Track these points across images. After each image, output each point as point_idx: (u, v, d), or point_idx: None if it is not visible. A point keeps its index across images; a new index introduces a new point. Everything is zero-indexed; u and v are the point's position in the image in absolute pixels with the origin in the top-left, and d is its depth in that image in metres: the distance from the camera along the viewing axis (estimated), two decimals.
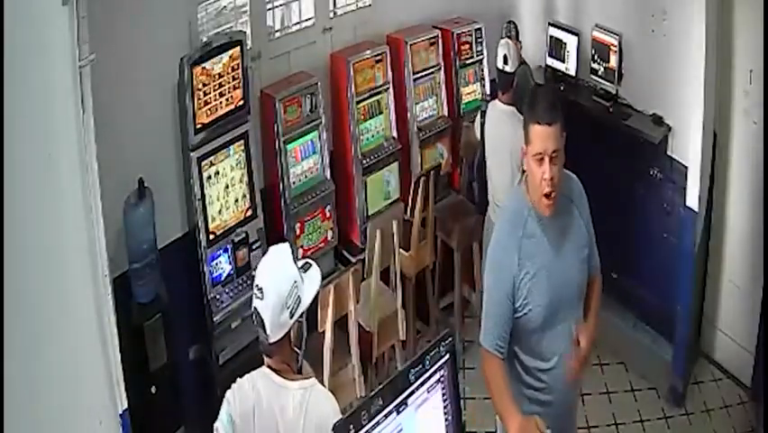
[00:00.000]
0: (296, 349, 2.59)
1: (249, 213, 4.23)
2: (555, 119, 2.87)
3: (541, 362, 3.02)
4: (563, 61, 5.41)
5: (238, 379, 2.65)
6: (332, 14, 4.84)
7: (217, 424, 2.62)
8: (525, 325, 2.96)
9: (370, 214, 4.87)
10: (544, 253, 2.94)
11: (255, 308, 2.51)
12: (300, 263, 2.61)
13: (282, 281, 2.49)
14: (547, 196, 2.87)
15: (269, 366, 2.60)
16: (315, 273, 2.61)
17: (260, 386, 2.59)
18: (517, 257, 2.91)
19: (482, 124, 4.69)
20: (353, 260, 4.74)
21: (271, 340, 2.51)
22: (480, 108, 4.97)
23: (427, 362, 2.44)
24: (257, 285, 2.51)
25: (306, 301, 2.55)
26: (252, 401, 2.58)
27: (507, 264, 2.92)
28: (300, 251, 4.45)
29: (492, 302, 2.95)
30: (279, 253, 2.57)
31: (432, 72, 5.16)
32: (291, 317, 2.51)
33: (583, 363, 3.09)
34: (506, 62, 4.59)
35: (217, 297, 4.06)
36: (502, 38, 4.70)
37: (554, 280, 2.94)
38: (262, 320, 2.50)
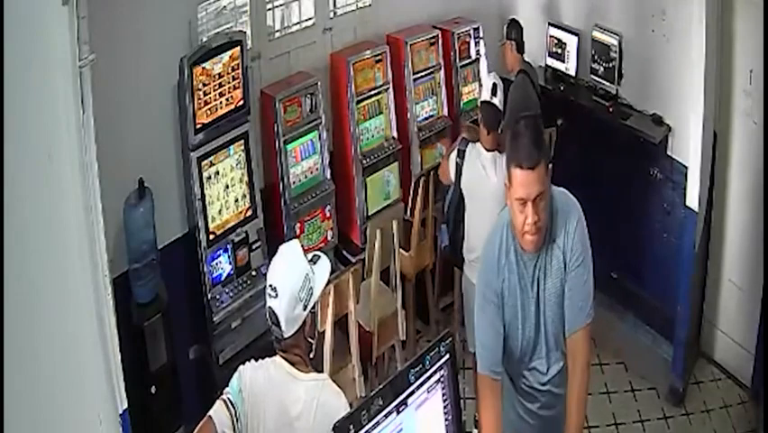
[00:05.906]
0: (309, 339, 2.67)
1: (249, 213, 4.23)
2: (539, 160, 2.68)
3: (536, 378, 3.03)
4: (563, 61, 5.41)
5: (252, 360, 2.68)
6: (332, 14, 4.84)
7: (227, 393, 2.62)
8: (509, 351, 2.96)
9: (370, 214, 4.87)
10: (518, 289, 2.89)
11: (270, 308, 2.57)
12: (309, 256, 2.70)
13: (295, 278, 2.57)
14: (530, 233, 2.77)
15: (281, 357, 2.64)
16: (324, 264, 2.71)
17: (273, 373, 2.63)
18: (501, 284, 2.88)
19: (458, 165, 4.20)
20: (353, 260, 4.74)
21: (287, 335, 2.58)
22: (458, 147, 4.29)
23: (427, 362, 2.44)
24: (270, 285, 2.57)
25: (318, 292, 2.64)
26: (264, 387, 2.62)
27: (491, 291, 2.89)
28: None
29: (482, 329, 2.94)
30: (290, 251, 2.66)
31: (432, 72, 5.17)
32: (305, 310, 2.59)
33: None
34: (494, 93, 4.11)
35: (217, 297, 4.07)
36: (500, 40, 4.65)
37: (529, 317, 2.91)
38: (277, 318, 2.56)
